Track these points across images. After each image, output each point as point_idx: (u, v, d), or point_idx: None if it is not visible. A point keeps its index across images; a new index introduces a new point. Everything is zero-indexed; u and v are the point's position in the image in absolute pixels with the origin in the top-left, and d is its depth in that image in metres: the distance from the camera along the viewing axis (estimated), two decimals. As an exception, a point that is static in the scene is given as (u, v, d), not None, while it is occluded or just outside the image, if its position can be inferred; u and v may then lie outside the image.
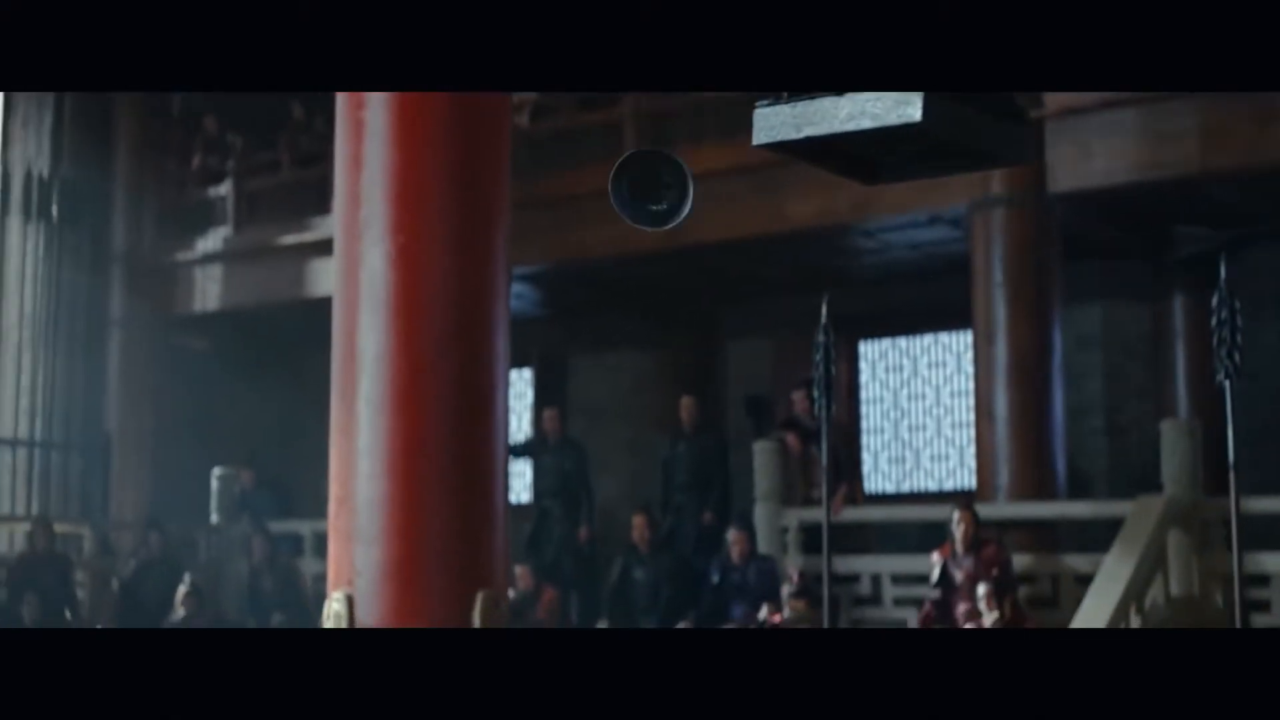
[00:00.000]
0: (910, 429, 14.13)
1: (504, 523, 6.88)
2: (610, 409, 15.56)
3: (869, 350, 14.44)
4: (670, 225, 3.48)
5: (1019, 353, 10.70)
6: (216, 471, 14.25)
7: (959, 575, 9.68)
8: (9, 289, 15.03)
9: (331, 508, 6.74)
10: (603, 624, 11.27)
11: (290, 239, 14.31)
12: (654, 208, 3.42)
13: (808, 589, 9.75)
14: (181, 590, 11.89)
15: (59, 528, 13.29)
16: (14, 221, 15.03)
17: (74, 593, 12.71)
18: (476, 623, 6.48)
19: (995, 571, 9.35)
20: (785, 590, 9.81)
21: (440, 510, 6.63)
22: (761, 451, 11.29)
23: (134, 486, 15.15)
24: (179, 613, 11.82)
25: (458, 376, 6.71)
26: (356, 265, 6.71)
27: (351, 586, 6.58)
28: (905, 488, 14.09)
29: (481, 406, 6.78)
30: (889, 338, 14.30)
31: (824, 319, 7.51)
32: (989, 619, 9.01)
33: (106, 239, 15.59)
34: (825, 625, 7.51)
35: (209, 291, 15.24)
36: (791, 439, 11.51)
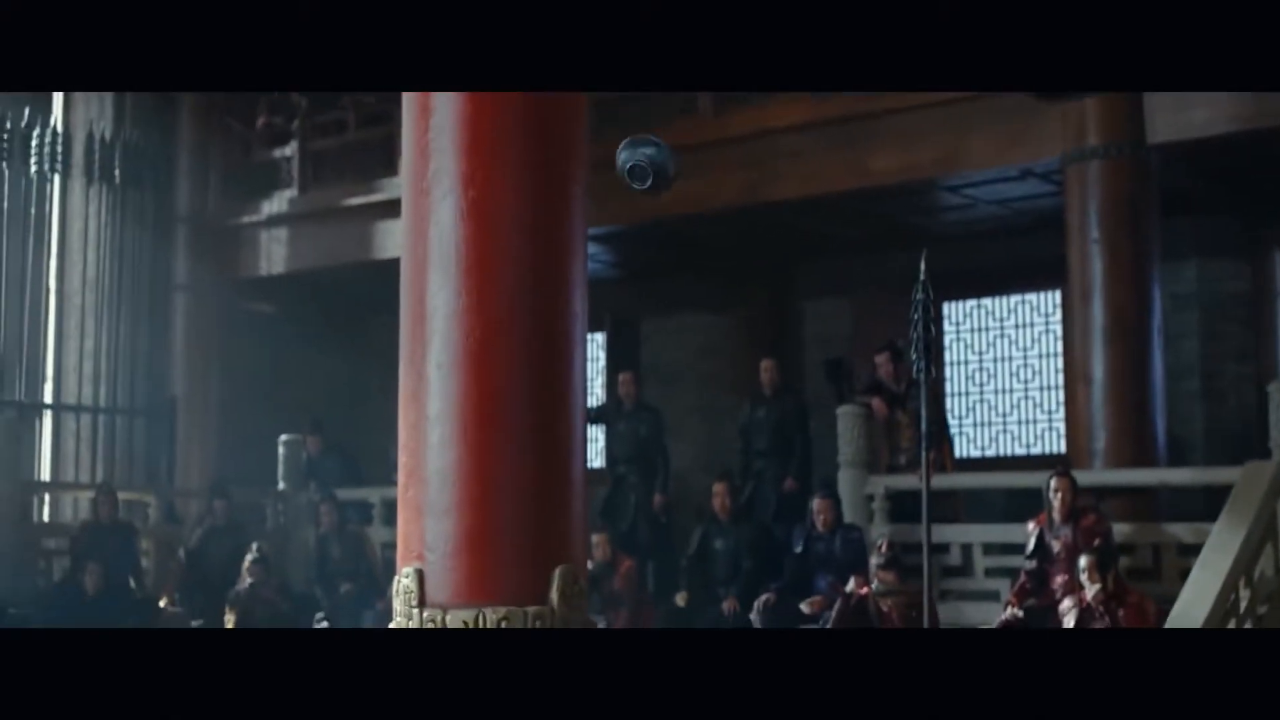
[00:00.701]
0: (996, 392, 13.65)
1: (583, 493, 6.45)
2: (683, 373, 15.16)
3: (953, 311, 13.95)
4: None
5: (1116, 312, 10.21)
6: (283, 437, 13.98)
7: (1056, 545, 9.24)
8: (72, 253, 14.73)
9: (400, 478, 6.35)
10: (680, 595, 10.88)
11: (356, 200, 13.96)
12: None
13: (897, 559, 9.32)
14: (248, 558, 11.62)
15: (123, 495, 13.04)
16: (76, 184, 14.73)
17: (138, 562, 12.45)
18: (554, 599, 6.07)
19: (1097, 542, 8.89)
20: (873, 561, 9.38)
21: (516, 480, 6.20)
22: (845, 416, 10.85)
23: (199, 453, 14.88)
24: (245, 581, 11.53)
25: (533, 338, 6.28)
26: (425, 221, 6.28)
27: (422, 561, 6.18)
28: (990, 453, 13.62)
29: (559, 369, 6.34)
30: (974, 298, 13.82)
31: (922, 274, 7.11)
32: (1091, 592, 8.55)
33: (170, 201, 15.31)
34: (925, 597, 7.13)
35: (274, 254, 14.92)
36: (877, 403, 11.07)
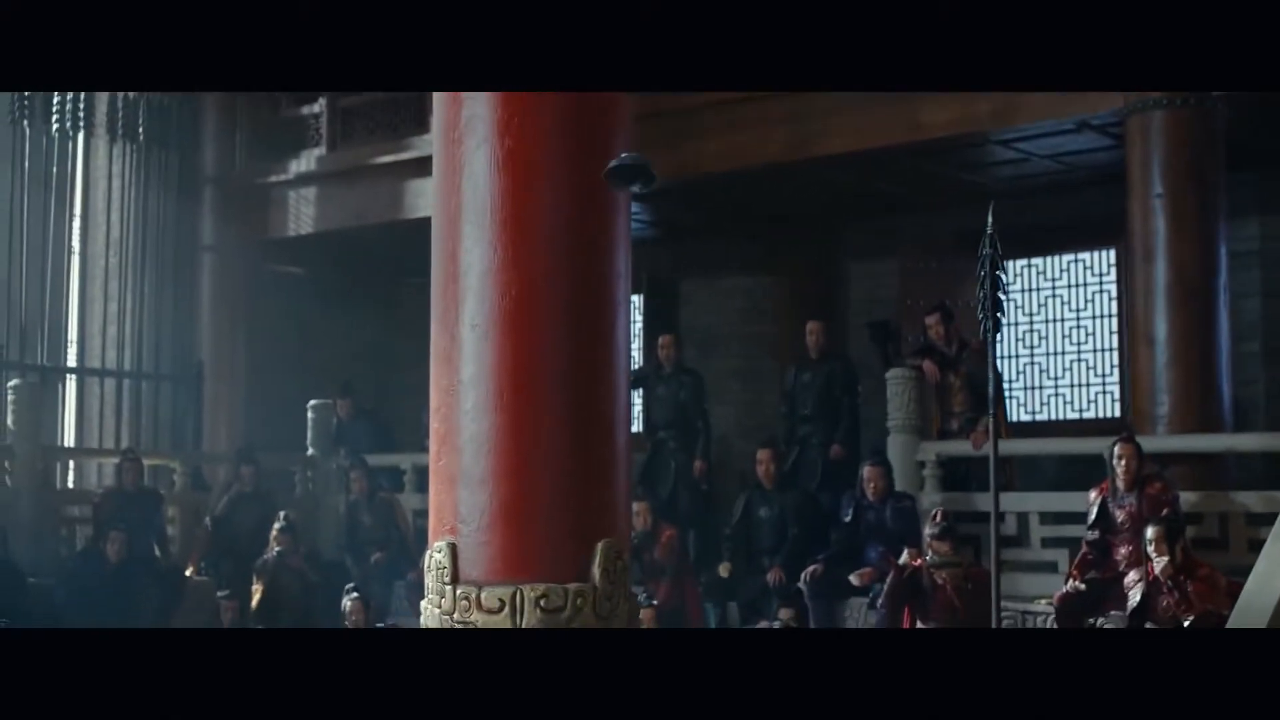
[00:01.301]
0: (1048, 355, 13.18)
1: (627, 462, 6.06)
2: (723, 336, 14.74)
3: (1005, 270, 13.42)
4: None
5: (1181, 271, 9.74)
6: (312, 402, 13.65)
7: (1120, 515, 8.82)
8: (95, 214, 14.37)
9: (432, 446, 5.96)
10: (723, 566, 10.49)
11: (387, 158, 13.53)
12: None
13: (951, 529, 8.90)
14: (276, 526, 11.32)
15: (149, 461, 12.72)
16: (100, 143, 14.35)
17: (163, 529, 12.12)
18: (596, 576, 5.71)
19: (1165, 511, 8.46)
20: (926, 531, 8.96)
21: (555, 448, 5.81)
22: (895, 379, 10.43)
23: (227, 418, 14.53)
24: (273, 549, 11.21)
25: (574, 296, 5.88)
26: (458, 172, 5.88)
27: (455, 535, 5.80)
28: (1041, 418, 13.17)
29: (601, 330, 5.94)
30: (1024, 257, 13.28)
31: (989, 227, 6.68)
32: (1159, 564, 8.12)
33: (197, 161, 14.90)
34: (993, 570, 6.73)
35: (303, 214, 14.53)
36: (928, 365, 10.64)
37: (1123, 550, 8.73)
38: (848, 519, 9.91)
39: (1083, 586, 8.72)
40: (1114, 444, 8.89)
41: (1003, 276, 6.65)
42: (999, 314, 6.61)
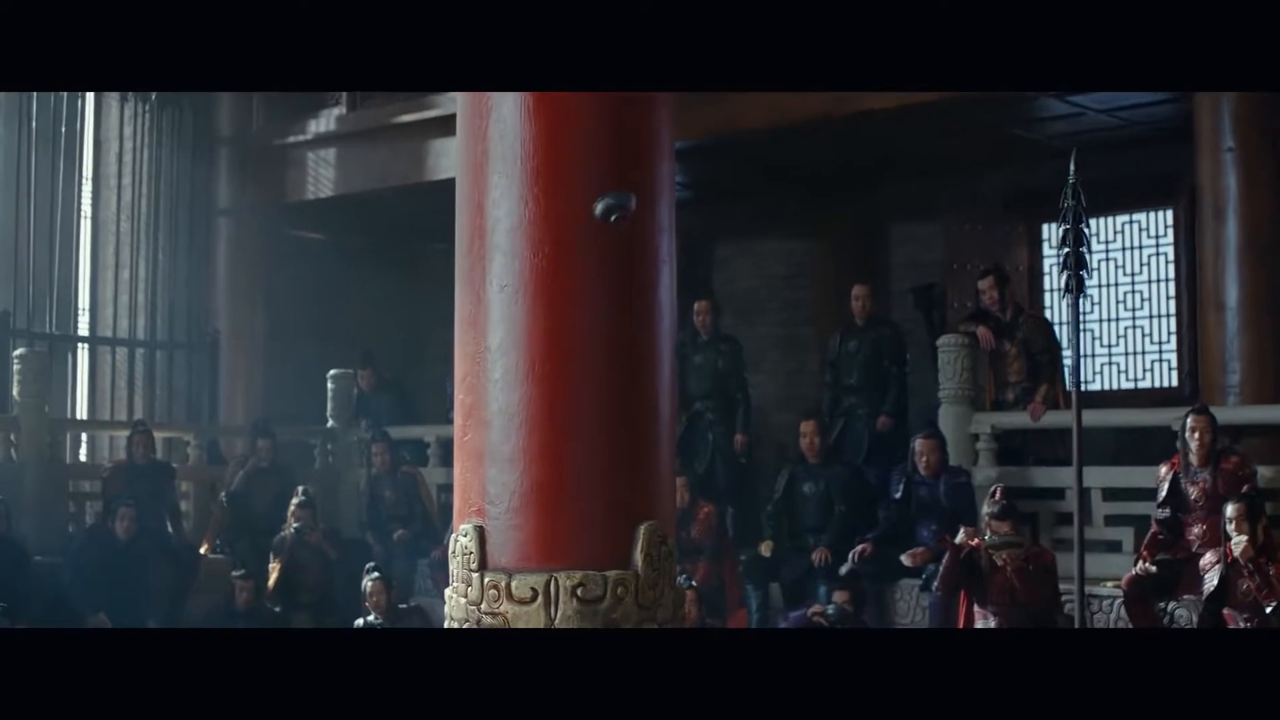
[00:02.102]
0: (1100, 321, 12.55)
1: (671, 437, 5.52)
2: (760, 302, 14.14)
3: (1052, 233, 12.75)
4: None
5: (1254, 230, 9.19)
6: (332, 372, 13.21)
7: (1193, 491, 8.25)
8: (107, 177, 13.88)
9: (457, 419, 5.42)
10: (765, 545, 9.91)
11: (409, 117, 12.92)
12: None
13: (1012, 508, 8.31)
14: (294, 502, 10.84)
15: (162, 433, 12.24)
16: (111, 103, 13.83)
17: (176, 505, 11.63)
18: (638, 562, 5.19)
19: (1245, 488, 7.87)
20: (985, 509, 8.36)
21: (593, 422, 5.26)
22: (948, 347, 9.85)
23: (244, 389, 14.05)
24: (290, 526, 10.71)
25: (613, 254, 5.32)
26: (484, 116, 5.34)
27: (483, 517, 5.27)
28: (1094, 387, 12.54)
29: (642, 290, 5.39)
30: (1076, 218, 12.62)
31: (1071, 176, 6.11)
32: (1238, 545, 7.55)
33: (212, 121, 14.35)
34: (1077, 551, 6.19)
35: (322, 177, 13.97)
36: (983, 332, 10.05)
37: (1196, 530, 8.18)
38: (898, 495, 9.34)
39: (1154, 568, 8.16)
40: (1186, 416, 8.31)
41: (1086, 231, 6.06)
42: (1084, 272, 6.02)
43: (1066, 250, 6.15)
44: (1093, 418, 10.34)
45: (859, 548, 9.24)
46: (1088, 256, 6.33)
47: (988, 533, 8.24)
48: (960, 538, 8.26)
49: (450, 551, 5.33)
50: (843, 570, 9.21)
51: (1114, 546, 9.21)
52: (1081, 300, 12.41)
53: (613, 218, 5.01)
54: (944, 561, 8.27)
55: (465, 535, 5.24)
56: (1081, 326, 7.73)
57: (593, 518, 5.21)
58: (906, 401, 10.79)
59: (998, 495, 8.30)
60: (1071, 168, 6.18)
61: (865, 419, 10.65)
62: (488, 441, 5.25)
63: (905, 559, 9.03)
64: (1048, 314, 12.34)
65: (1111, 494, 9.32)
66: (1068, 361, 11.89)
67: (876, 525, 9.47)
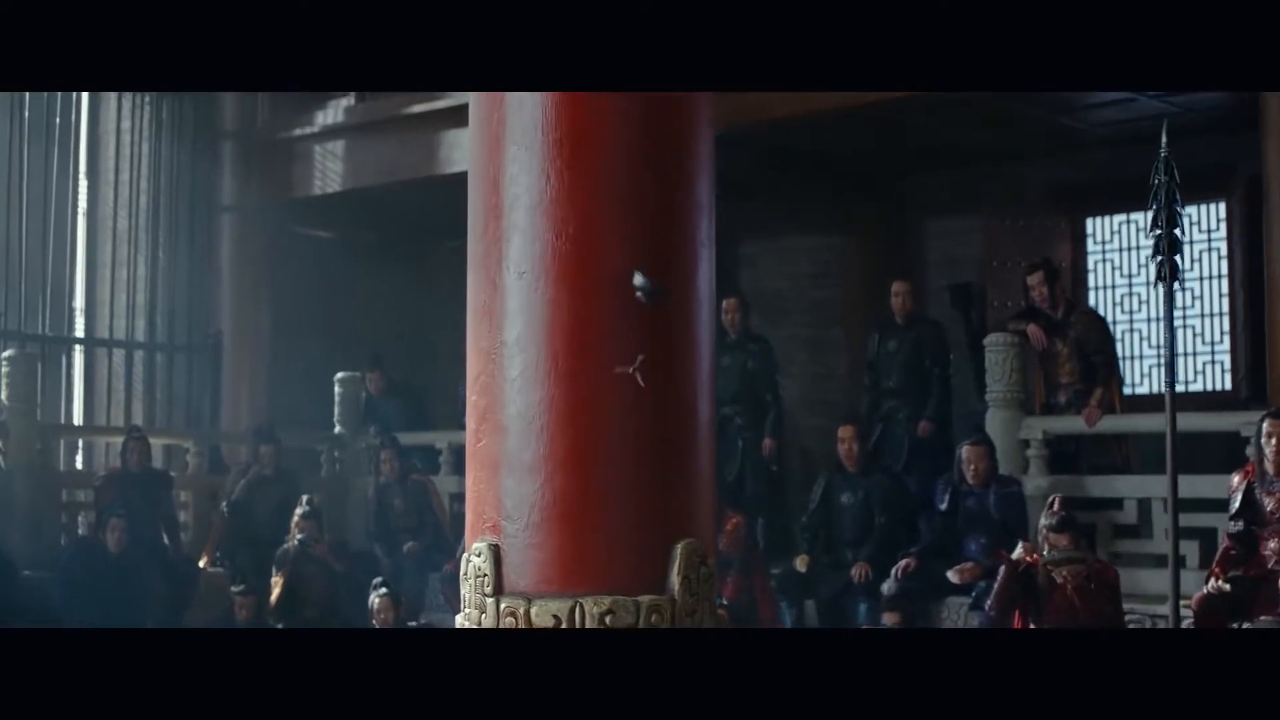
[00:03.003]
0: (1148, 321, 11.90)
1: (710, 444, 4.90)
2: (787, 300, 13.51)
3: (1098, 227, 12.20)
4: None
5: (1325, 220, 8.52)
6: (339, 375, 12.62)
7: (1270, 503, 7.60)
8: (104, 172, 13.29)
9: (470, 424, 4.83)
10: (800, 559, 9.28)
11: (420, 108, 12.32)
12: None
13: (1072, 520, 7.65)
14: (298, 512, 10.26)
15: (161, 440, 11.68)
16: (110, 95, 13.21)
17: (173, 515, 11.05)
18: (674, 585, 4.64)
19: (1330, 501, 7.24)
20: (1042, 522, 7.70)
21: (623, 426, 4.68)
22: (996, 347, 9.21)
23: (248, 393, 13.47)
24: (294, 538, 10.12)
25: (645, 237, 4.74)
26: (502, 85, 4.77)
27: (499, 534, 4.69)
28: (1141, 390, 11.89)
29: (679, 278, 4.79)
30: (1122, 213, 12.00)
31: (1163, 150, 5.50)
32: (1322, 561, 6.90)
33: (214, 113, 13.77)
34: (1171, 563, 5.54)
35: (330, 171, 13.40)
36: (1034, 330, 9.41)
37: (1273, 544, 7.52)
38: (944, 507, 8.69)
39: (1227, 586, 7.49)
40: (1262, 420, 7.65)
41: (1180, 211, 5.44)
42: (1177, 257, 5.39)
43: (1158, 233, 5.49)
44: (1158, 422, 9.72)
45: (902, 563, 8.61)
46: (1182, 240, 5.65)
47: (1045, 547, 7.59)
48: (1018, 553, 7.60)
49: (463, 573, 4.74)
50: (885, 588, 8.57)
51: (1177, 560, 8.53)
52: (1130, 299, 12.01)
53: (638, 294, 4.45)
54: (999, 578, 7.60)
55: (479, 555, 4.68)
56: (1177, 321, 7.11)
57: (623, 535, 4.64)
58: (950, 405, 10.16)
59: (1056, 506, 7.65)
60: (1163, 139, 5.56)
61: (905, 423, 10.00)
62: (504, 449, 4.67)
63: (952, 575, 8.38)
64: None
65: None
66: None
67: (919, 538, 8.83)
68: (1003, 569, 7.59)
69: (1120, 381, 9.75)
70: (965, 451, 8.65)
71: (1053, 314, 9.53)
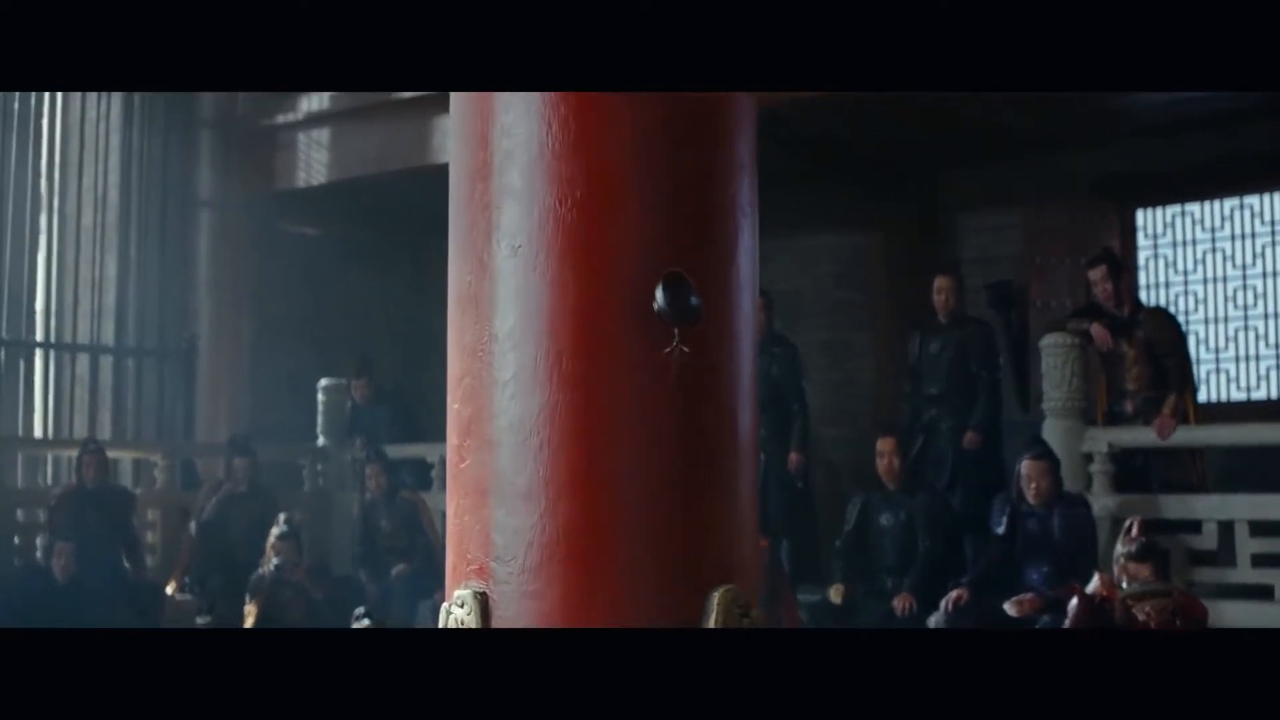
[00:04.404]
0: (1206, 322, 10.91)
1: (752, 463, 3.86)
2: (808, 303, 12.54)
3: (1149, 220, 11.22)
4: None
5: None
6: (323, 381, 11.66)
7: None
8: (71, 164, 12.36)
9: (451, 439, 3.85)
10: (835, 589, 8.28)
11: (412, 92, 11.36)
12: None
13: (1154, 548, 6.64)
14: (274, 533, 9.26)
15: (128, 453, 10.71)
16: (77, 83, 12.27)
17: (134, 537, 10.05)
18: (711, 641, 3.58)
19: None
20: (1119, 549, 6.68)
21: (645, 441, 3.66)
22: (1054, 348, 8.24)
23: (226, 401, 12.52)
24: (270, 562, 9.13)
25: (672, 203, 3.73)
26: (491, 7, 3.79)
27: (486, 578, 3.71)
28: (1199, 399, 10.90)
29: (714, 255, 3.79)
30: (1176, 204, 11.04)
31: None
32: None
33: (190, 102, 12.88)
34: None
35: (315, 161, 12.54)
36: (1098, 330, 8.41)
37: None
38: (1001, 530, 7.67)
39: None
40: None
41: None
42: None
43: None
44: (1240, 434, 8.67)
45: (953, 594, 7.61)
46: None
47: (1123, 579, 6.58)
48: (1094, 585, 6.58)
49: (440, 625, 3.75)
50: (932, 621, 7.56)
51: (1264, 592, 7.58)
52: (1186, 298, 11.03)
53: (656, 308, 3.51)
54: (1071, 614, 6.57)
55: (461, 605, 3.67)
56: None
57: (645, 580, 3.62)
58: (1000, 414, 9.14)
59: (1135, 531, 6.64)
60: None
61: (949, 434, 8.99)
62: (494, 471, 3.66)
63: (1010, 608, 7.35)
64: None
65: (1261, 528, 7.69)
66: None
67: (969, 564, 7.83)
68: (1074, 603, 6.56)
69: (1195, 388, 8.75)
70: (1025, 467, 7.64)
71: (1118, 312, 8.54)
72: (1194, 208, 11.01)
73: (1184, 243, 11.08)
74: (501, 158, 3.63)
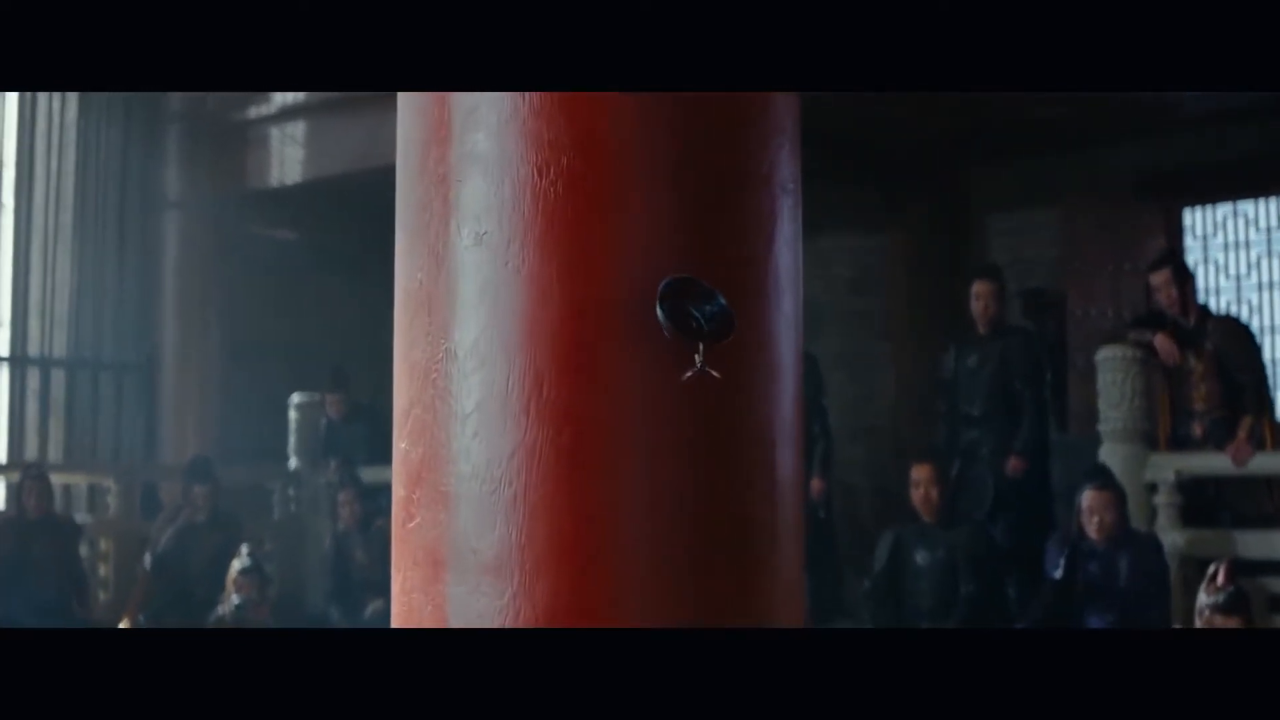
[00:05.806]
0: (1262, 330, 10.07)
1: (796, 485, 2.95)
2: (824, 311, 11.71)
3: (1198, 220, 10.50)
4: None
5: None
6: (295, 397, 10.84)
7: None
8: (21, 159, 11.63)
9: (397, 490, 3.04)
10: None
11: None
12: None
13: (1246, 597, 5.68)
14: (235, 566, 8.34)
15: (80, 477, 9.79)
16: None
17: (80, 571, 9.21)
18: None
19: None
20: (1203, 598, 5.72)
21: (655, 497, 2.77)
22: (1114, 363, 7.34)
23: (193, 420, 11.72)
24: (231, 599, 8.18)
25: (689, 172, 2.90)
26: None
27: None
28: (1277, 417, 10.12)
29: (748, 249, 2.90)
30: (1227, 202, 10.33)
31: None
32: None
33: (155, 95, 12.12)
34: None
35: (290, 158, 11.85)
36: (1163, 341, 7.47)
37: None
38: (1059, 574, 6.67)
39: None
40: None
41: None
42: None
43: None
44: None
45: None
46: None
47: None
48: (1174, 640, 5.65)
49: None
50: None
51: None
52: (1239, 304, 10.15)
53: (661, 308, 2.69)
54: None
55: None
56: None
57: (657, 624, 2.79)
58: (1046, 435, 8.16)
59: (1222, 579, 5.67)
60: None
61: (989, 460, 7.99)
62: (451, 533, 2.87)
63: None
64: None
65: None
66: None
67: (1017, 609, 6.87)
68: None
69: (1273, 408, 7.80)
70: (1087, 499, 6.66)
71: (1184, 321, 7.60)
72: (1247, 206, 10.32)
73: (1236, 244, 10.42)
74: (462, 119, 2.78)
